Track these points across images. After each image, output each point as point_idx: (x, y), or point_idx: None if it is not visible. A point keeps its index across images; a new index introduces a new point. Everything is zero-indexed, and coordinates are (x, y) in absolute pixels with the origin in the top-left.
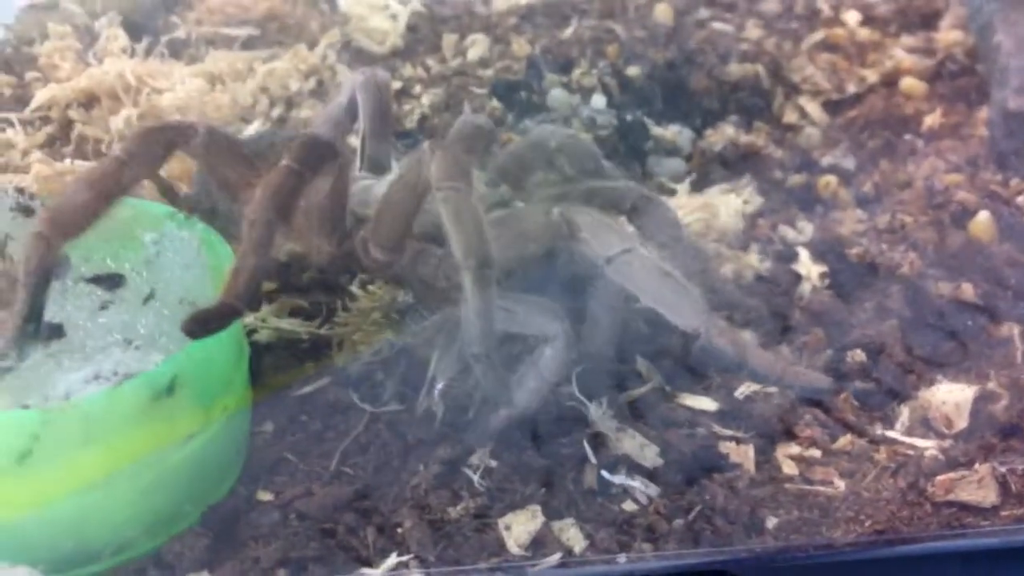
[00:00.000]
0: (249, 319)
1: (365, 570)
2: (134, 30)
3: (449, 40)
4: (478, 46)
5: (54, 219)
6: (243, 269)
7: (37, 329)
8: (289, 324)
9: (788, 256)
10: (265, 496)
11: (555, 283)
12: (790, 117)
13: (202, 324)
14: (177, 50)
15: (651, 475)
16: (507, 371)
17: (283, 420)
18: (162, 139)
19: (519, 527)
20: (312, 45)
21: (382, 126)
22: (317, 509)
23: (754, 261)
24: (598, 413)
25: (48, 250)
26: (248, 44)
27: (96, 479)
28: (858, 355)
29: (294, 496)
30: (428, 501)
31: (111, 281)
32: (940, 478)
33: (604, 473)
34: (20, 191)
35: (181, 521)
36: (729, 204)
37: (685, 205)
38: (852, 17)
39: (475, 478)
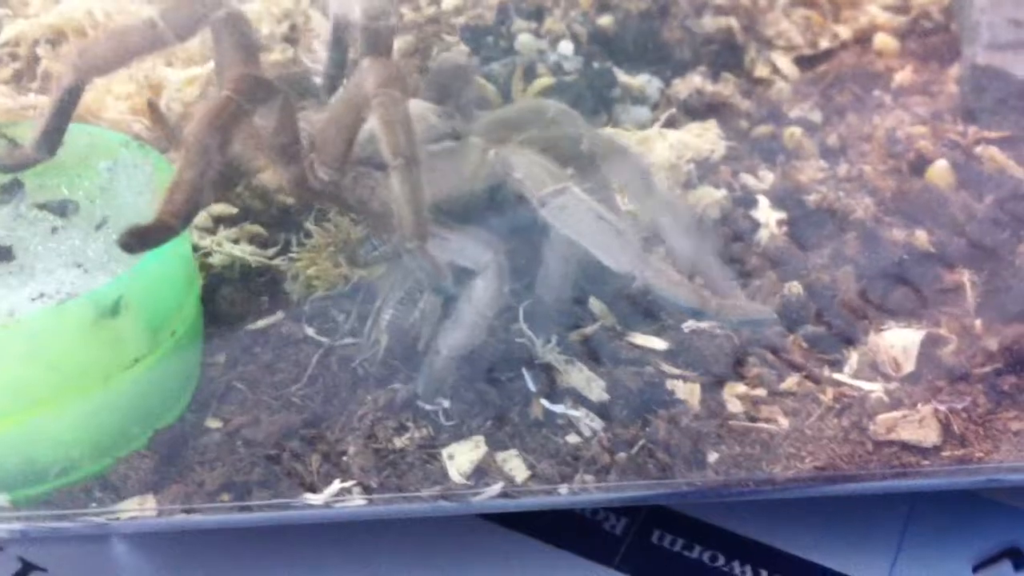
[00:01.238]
0: (205, 242)
1: (308, 495)
2: None
3: None
4: None
5: (82, 53)
6: (179, 186)
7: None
8: (242, 251)
9: (748, 202)
10: (213, 423)
11: (501, 222)
12: (761, 71)
13: (139, 239)
14: None
15: (597, 410)
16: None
17: (236, 351)
18: (193, 8)
19: (462, 456)
20: None
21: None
22: (264, 436)
23: (708, 197)
24: (546, 347)
25: (74, 79)
26: None
27: (41, 397)
28: (801, 291)
29: (241, 424)
30: (374, 431)
31: (64, 207)
32: (882, 417)
33: (545, 402)
34: None
35: (128, 444)
36: (666, 139)
37: (627, 138)
38: None
39: (426, 408)
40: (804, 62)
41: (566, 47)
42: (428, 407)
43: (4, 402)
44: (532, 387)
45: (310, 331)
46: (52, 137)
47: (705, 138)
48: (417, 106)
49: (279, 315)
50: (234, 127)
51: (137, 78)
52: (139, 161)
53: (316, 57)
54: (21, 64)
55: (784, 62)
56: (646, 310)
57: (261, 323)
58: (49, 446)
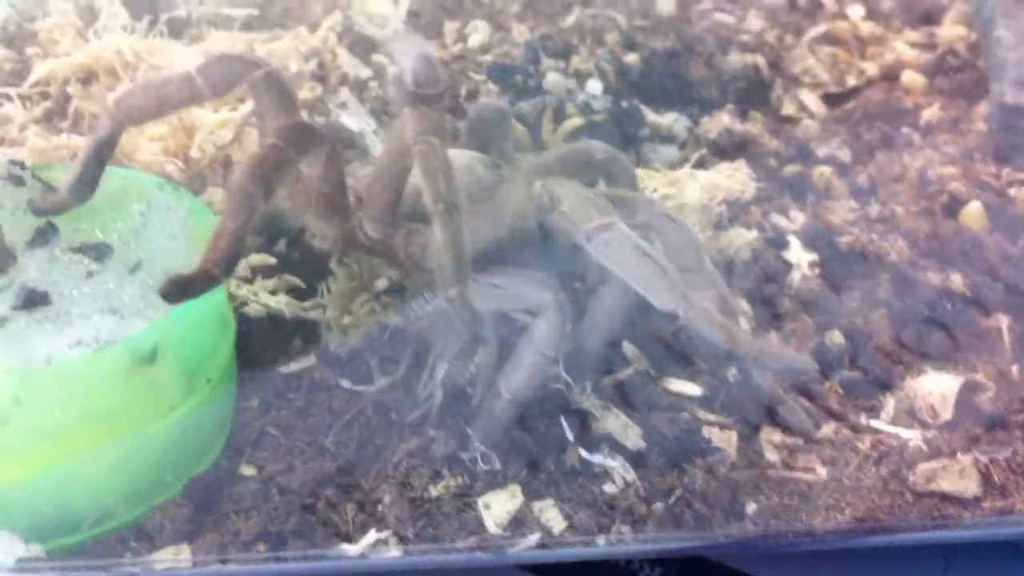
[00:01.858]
0: (241, 291)
1: (344, 545)
2: (136, 8)
3: (451, 26)
4: (479, 33)
5: (120, 102)
6: (222, 236)
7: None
8: (276, 302)
9: (779, 244)
10: (248, 470)
11: (549, 260)
12: (788, 109)
13: (180, 289)
14: (178, 29)
15: (633, 457)
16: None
17: (269, 396)
18: (231, 67)
19: (498, 506)
20: (314, 28)
21: None
22: (299, 484)
23: (740, 239)
24: (583, 393)
25: (111, 126)
26: (249, 25)
27: (77, 445)
28: (842, 340)
29: (276, 471)
30: (409, 479)
31: (98, 250)
32: (922, 467)
33: (583, 452)
34: (14, 163)
35: (162, 492)
36: (697, 180)
37: (657, 179)
38: (856, 11)
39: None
40: (831, 99)
41: (595, 86)
42: (465, 456)
43: (40, 449)
44: (569, 435)
45: (345, 381)
46: (87, 182)
47: (736, 178)
48: (463, 156)
49: (312, 359)
50: (279, 176)
51: (170, 120)
52: (173, 204)
53: (342, 101)
54: (52, 103)
55: (811, 99)
56: (680, 354)
57: (294, 367)
58: (84, 494)
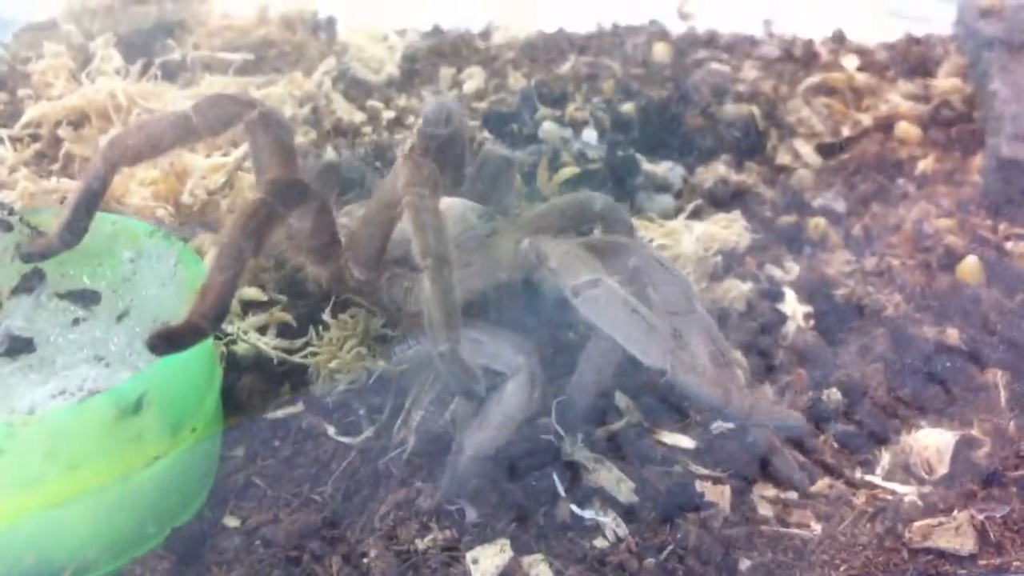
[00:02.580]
0: (231, 327)
1: None
2: (131, 52)
3: (447, 72)
4: (475, 79)
5: (113, 144)
6: (210, 289)
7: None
8: (266, 344)
9: (774, 295)
10: (231, 521)
11: (536, 314)
12: (783, 158)
13: (167, 341)
14: (172, 73)
15: (625, 511)
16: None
17: (254, 445)
18: (227, 106)
19: (487, 561)
20: (309, 72)
21: None
22: (283, 536)
23: (735, 290)
24: (574, 445)
25: (102, 169)
26: (244, 69)
27: (59, 496)
28: (840, 397)
29: (260, 522)
30: (396, 532)
31: (86, 297)
32: (918, 524)
33: (574, 507)
34: (2, 207)
35: (145, 543)
36: (692, 231)
37: (653, 230)
38: (850, 62)
39: (449, 508)
40: (826, 149)
41: (590, 134)
42: (451, 507)
43: (21, 499)
44: (560, 488)
45: (331, 429)
46: (77, 226)
47: (732, 229)
48: (457, 205)
49: (300, 406)
50: (268, 231)
51: (162, 164)
52: (164, 251)
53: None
54: (42, 145)
55: (806, 150)
56: (673, 406)
57: (281, 413)
58: (65, 545)
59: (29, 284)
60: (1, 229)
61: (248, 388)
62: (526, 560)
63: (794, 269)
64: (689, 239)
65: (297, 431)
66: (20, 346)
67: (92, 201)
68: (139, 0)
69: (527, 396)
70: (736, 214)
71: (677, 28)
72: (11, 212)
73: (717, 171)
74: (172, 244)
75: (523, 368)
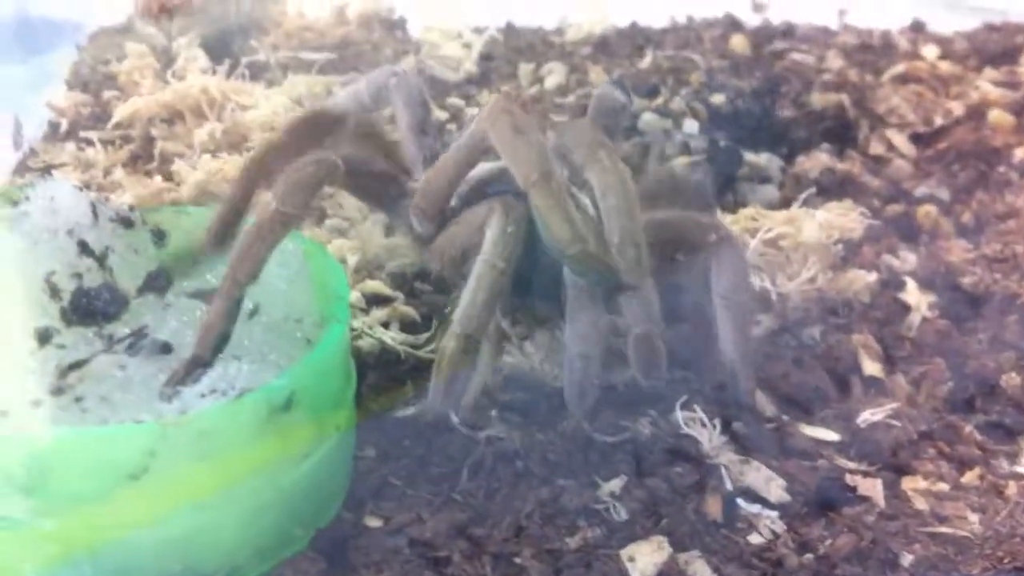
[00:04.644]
0: (356, 322)
1: None
2: (209, 53)
3: (526, 68)
4: (555, 74)
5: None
6: (211, 328)
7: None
8: (392, 339)
9: (895, 285)
10: (373, 522)
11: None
12: (876, 148)
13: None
14: (255, 73)
15: (777, 509)
16: None
17: (385, 443)
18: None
19: (644, 559)
20: None
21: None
22: (430, 536)
23: (860, 280)
24: (715, 443)
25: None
26: (324, 69)
27: (209, 497)
28: (977, 388)
29: (404, 522)
30: (544, 531)
31: (213, 296)
32: None
33: (740, 501)
34: (123, 207)
35: (291, 545)
36: (814, 219)
37: (771, 219)
38: (930, 51)
39: (599, 506)
40: (919, 139)
41: (691, 125)
42: (599, 506)
43: (172, 504)
44: (709, 484)
45: (463, 427)
46: (225, 232)
47: (850, 217)
48: None
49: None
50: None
51: None
52: (289, 247)
53: None
54: (135, 146)
55: (899, 139)
56: (810, 397)
57: (409, 411)
58: (213, 550)
59: (155, 283)
60: (122, 226)
61: (374, 386)
62: (682, 558)
63: (910, 258)
64: (811, 227)
65: (427, 428)
66: (158, 347)
67: (239, 210)
68: (219, 1)
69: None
70: (848, 203)
71: (750, 20)
72: (131, 208)
73: (820, 160)
74: (297, 239)
75: (497, 210)
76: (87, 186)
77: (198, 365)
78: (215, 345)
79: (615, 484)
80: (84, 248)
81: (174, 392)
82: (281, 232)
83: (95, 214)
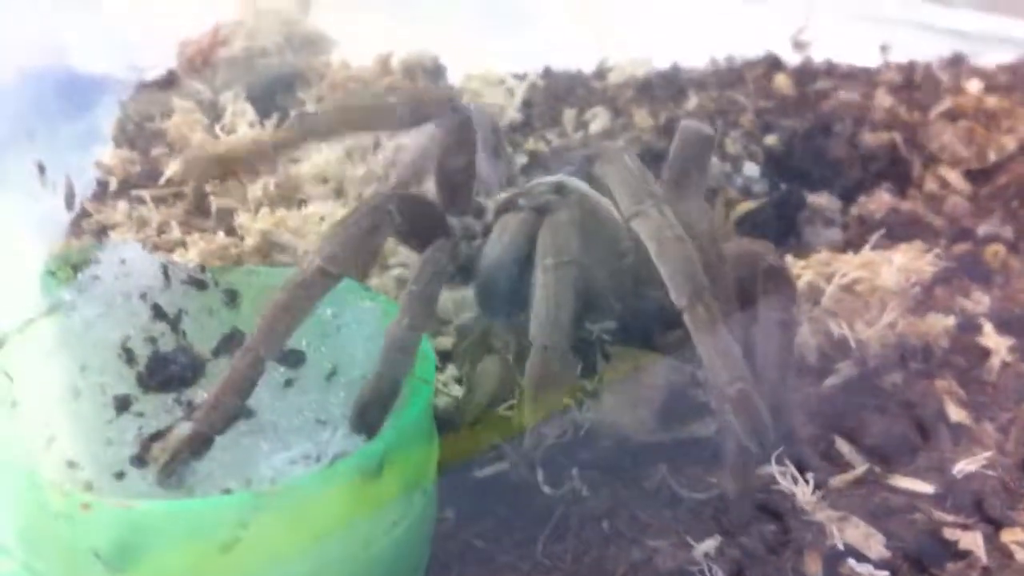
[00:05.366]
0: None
1: None
2: (255, 107)
3: (569, 114)
4: (600, 119)
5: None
6: (219, 405)
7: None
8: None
9: (971, 328)
10: None
11: None
12: (930, 186)
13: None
14: None
15: (879, 567)
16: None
17: (464, 504)
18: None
19: None
20: None
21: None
22: None
23: (939, 325)
24: (809, 499)
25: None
26: None
27: (300, 570)
28: None
29: None
30: None
31: (291, 357)
32: None
33: (853, 563)
34: (201, 269)
35: None
36: (892, 263)
37: (846, 263)
38: (974, 86)
39: (693, 568)
40: (974, 175)
41: (751, 168)
42: (694, 568)
43: None
44: (806, 542)
45: (546, 488)
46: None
47: (925, 260)
48: None
49: (506, 463)
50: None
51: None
52: (366, 306)
53: None
54: (188, 203)
55: (954, 176)
56: (901, 447)
57: (489, 471)
58: None
59: (230, 346)
60: (194, 288)
61: (451, 445)
62: None
63: (984, 299)
64: (889, 271)
65: (507, 488)
66: (240, 412)
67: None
68: (261, 53)
69: None
70: (919, 244)
71: (790, 58)
72: (203, 270)
73: (883, 201)
74: (375, 298)
75: None
76: (143, 245)
77: (201, 441)
78: (222, 423)
79: (709, 544)
80: (158, 312)
81: (174, 472)
82: (319, 291)
83: (167, 276)
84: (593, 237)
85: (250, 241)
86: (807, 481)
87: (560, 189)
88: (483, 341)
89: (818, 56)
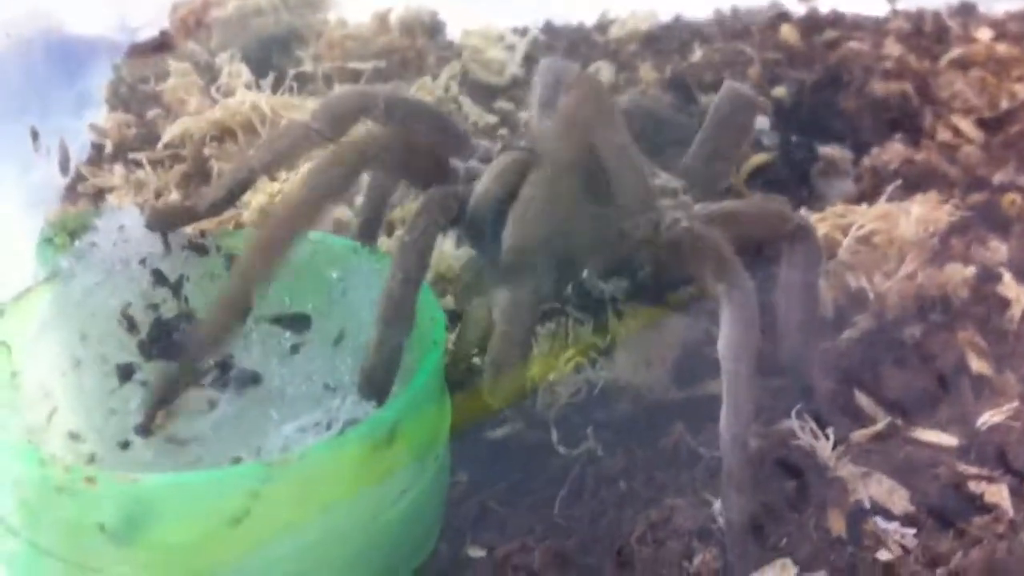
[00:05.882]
0: None
1: None
2: (251, 67)
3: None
4: (604, 72)
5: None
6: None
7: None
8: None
9: (990, 277)
10: (476, 552)
11: None
12: (943, 136)
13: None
14: (300, 86)
15: (903, 523)
16: None
17: (478, 467)
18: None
19: None
20: (433, 78)
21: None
22: (539, 565)
23: (958, 275)
24: (831, 454)
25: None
26: (372, 78)
27: (311, 540)
28: None
29: (509, 551)
30: (659, 555)
31: (296, 322)
32: None
33: (879, 520)
34: (202, 234)
35: None
36: (910, 213)
37: (863, 215)
38: (984, 34)
39: (714, 526)
40: (987, 124)
41: (761, 121)
42: (712, 526)
43: (271, 549)
44: (828, 498)
45: (561, 448)
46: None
47: (943, 210)
48: None
49: (520, 423)
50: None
51: None
52: (373, 269)
53: None
54: (188, 166)
55: (966, 125)
56: (924, 399)
57: (500, 432)
58: None
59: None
60: (196, 253)
61: (461, 406)
62: None
63: (1002, 249)
64: (907, 222)
65: (521, 450)
66: (247, 378)
67: None
68: (256, 13)
69: None
70: (934, 195)
71: (795, 8)
72: (203, 234)
73: (897, 151)
74: (381, 259)
75: None
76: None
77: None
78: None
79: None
80: (159, 278)
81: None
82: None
83: (167, 242)
84: (592, 179)
85: (248, 214)
86: (827, 436)
87: None
88: (476, 283)
89: (824, 6)
